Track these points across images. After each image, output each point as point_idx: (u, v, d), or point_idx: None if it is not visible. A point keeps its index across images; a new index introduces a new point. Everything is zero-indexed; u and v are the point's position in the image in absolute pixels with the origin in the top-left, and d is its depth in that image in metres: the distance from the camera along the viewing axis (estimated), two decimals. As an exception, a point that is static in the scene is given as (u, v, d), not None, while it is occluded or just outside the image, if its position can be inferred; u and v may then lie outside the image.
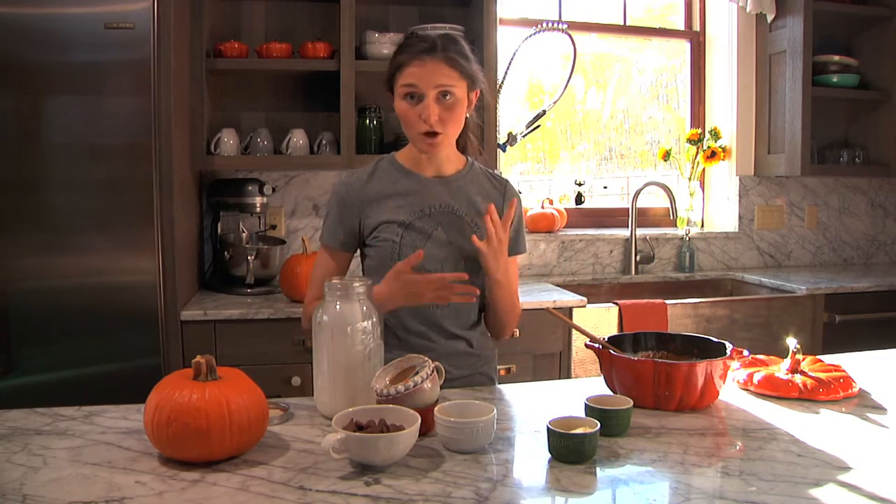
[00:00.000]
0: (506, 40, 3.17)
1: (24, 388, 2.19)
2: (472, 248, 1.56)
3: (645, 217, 3.57)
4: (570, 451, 1.14)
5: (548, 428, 1.16)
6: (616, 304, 2.73)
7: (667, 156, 3.52)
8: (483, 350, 1.69)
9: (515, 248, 1.67)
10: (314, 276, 1.66)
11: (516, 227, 1.67)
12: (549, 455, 1.16)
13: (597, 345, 1.49)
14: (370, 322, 1.35)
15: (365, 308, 1.35)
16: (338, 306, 1.34)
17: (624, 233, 3.39)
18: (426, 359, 1.32)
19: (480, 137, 1.78)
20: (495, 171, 1.73)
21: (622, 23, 3.57)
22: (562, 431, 1.15)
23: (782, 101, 3.32)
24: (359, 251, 1.68)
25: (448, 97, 1.52)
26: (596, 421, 1.18)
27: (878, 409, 1.41)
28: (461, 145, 1.67)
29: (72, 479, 1.07)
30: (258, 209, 2.81)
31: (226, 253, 2.73)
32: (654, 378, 1.37)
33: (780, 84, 3.35)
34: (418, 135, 1.53)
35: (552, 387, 1.63)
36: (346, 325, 1.32)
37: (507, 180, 1.71)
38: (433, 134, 1.52)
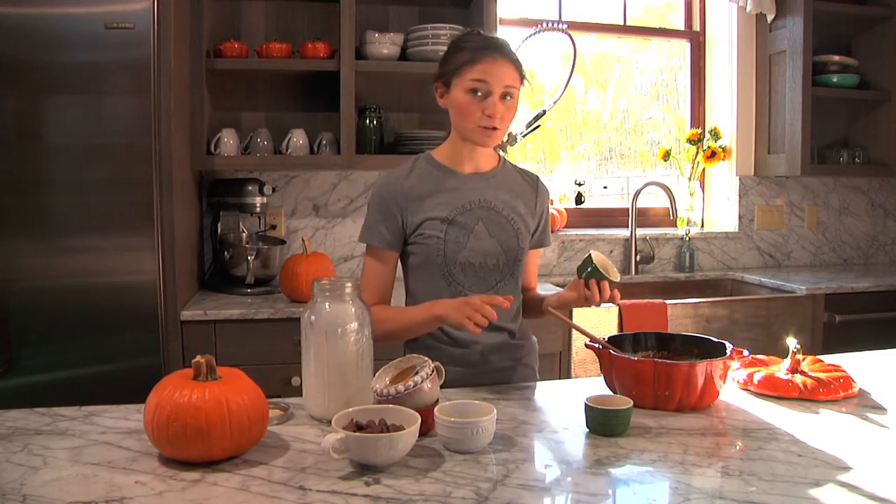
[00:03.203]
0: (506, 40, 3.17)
1: (24, 388, 2.19)
2: (511, 243, 1.64)
3: (645, 217, 3.57)
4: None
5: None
6: (616, 304, 2.73)
7: (667, 156, 3.53)
8: (524, 340, 1.74)
9: (541, 241, 1.76)
10: (366, 281, 1.65)
11: (544, 223, 1.75)
12: (549, 454, 1.17)
13: (597, 345, 1.49)
14: (361, 322, 1.34)
15: (355, 308, 1.34)
16: (328, 307, 1.33)
17: (624, 233, 3.39)
18: (426, 359, 1.32)
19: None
20: (525, 168, 1.81)
21: (622, 23, 3.57)
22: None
23: (782, 101, 3.32)
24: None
25: (509, 98, 1.57)
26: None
27: (878, 409, 1.41)
28: None
29: (72, 479, 1.07)
30: (258, 209, 2.81)
31: (226, 253, 2.73)
32: (654, 378, 1.37)
33: (780, 84, 3.35)
34: (477, 127, 1.57)
35: (552, 387, 1.62)
36: (338, 326, 1.32)
37: (537, 176, 1.78)
38: (492, 128, 1.57)
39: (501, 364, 1.67)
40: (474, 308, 1.41)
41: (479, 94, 1.55)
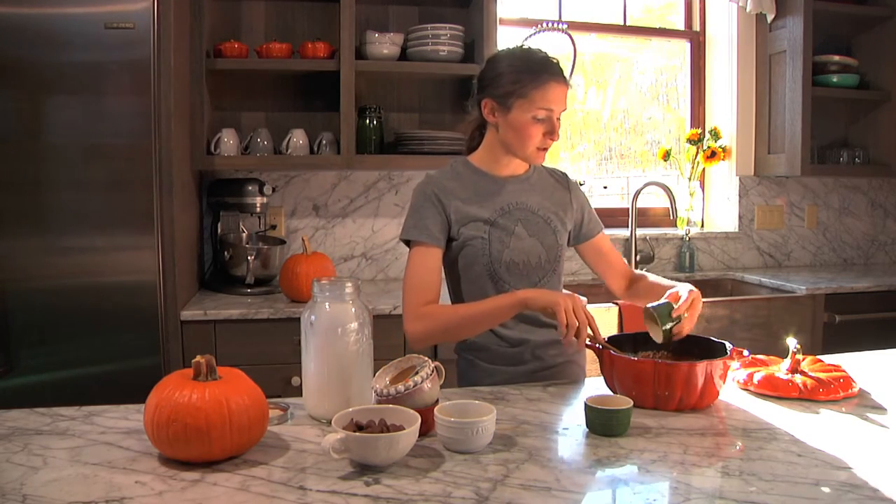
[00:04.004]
0: (506, 40, 3.17)
1: (24, 388, 2.19)
2: (550, 241, 1.70)
3: (645, 217, 3.57)
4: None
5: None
6: (616, 304, 2.73)
7: (667, 156, 3.52)
8: None
9: (593, 230, 1.84)
10: (413, 279, 1.62)
11: (587, 213, 1.83)
12: (549, 454, 1.17)
13: (597, 345, 1.49)
14: (361, 322, 1.34)
15: (355, 308, 1.34)
16: (328, 307, 1.33)
17: (624, 233, 3.39)
18: (426, 359, 1.32)
19: None
20: (553, 168, 1.85)
21: (622, 23, 3.57)
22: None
23: (782, 101, 3.32)
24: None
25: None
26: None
27: (878, 409, 1.41)
28: None
29: (72, 479, 1.07)
30: (258, 209, 2.81)
31: (226, 253, 2.73)
32: (654, 378, 1.37)
33: (780, 84, 3.35)
34: (536, 149, 1.64)
35: (552, 387, 1.62)
36: (338, 326, 1.32)
37: (565, 173, 1.85)
38: (546, 148, 1.66)
39: (553, 361, 1.71)
40: (573, 304, 1.44)
41: (542, 118, 1.61)
